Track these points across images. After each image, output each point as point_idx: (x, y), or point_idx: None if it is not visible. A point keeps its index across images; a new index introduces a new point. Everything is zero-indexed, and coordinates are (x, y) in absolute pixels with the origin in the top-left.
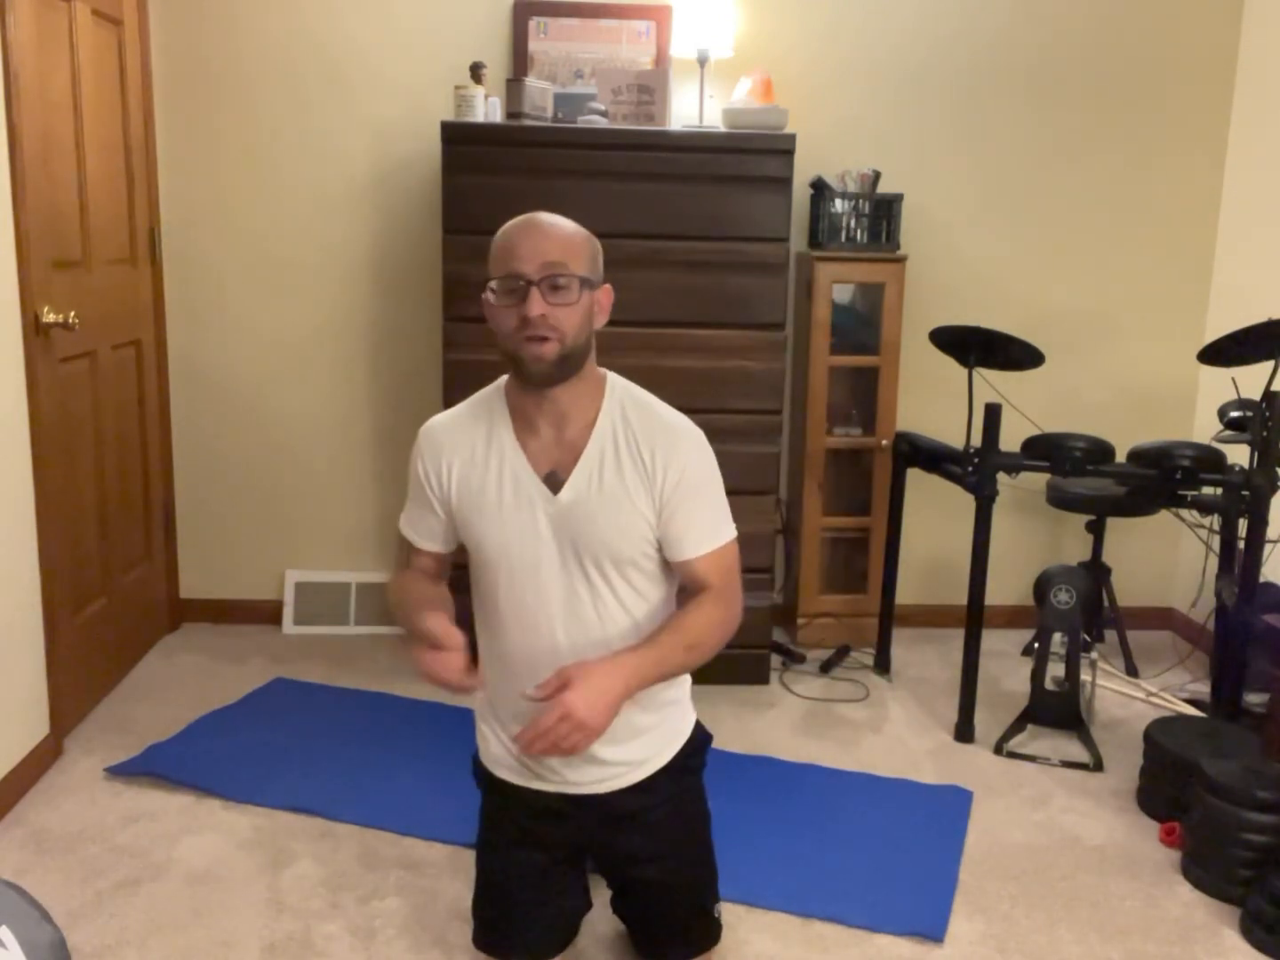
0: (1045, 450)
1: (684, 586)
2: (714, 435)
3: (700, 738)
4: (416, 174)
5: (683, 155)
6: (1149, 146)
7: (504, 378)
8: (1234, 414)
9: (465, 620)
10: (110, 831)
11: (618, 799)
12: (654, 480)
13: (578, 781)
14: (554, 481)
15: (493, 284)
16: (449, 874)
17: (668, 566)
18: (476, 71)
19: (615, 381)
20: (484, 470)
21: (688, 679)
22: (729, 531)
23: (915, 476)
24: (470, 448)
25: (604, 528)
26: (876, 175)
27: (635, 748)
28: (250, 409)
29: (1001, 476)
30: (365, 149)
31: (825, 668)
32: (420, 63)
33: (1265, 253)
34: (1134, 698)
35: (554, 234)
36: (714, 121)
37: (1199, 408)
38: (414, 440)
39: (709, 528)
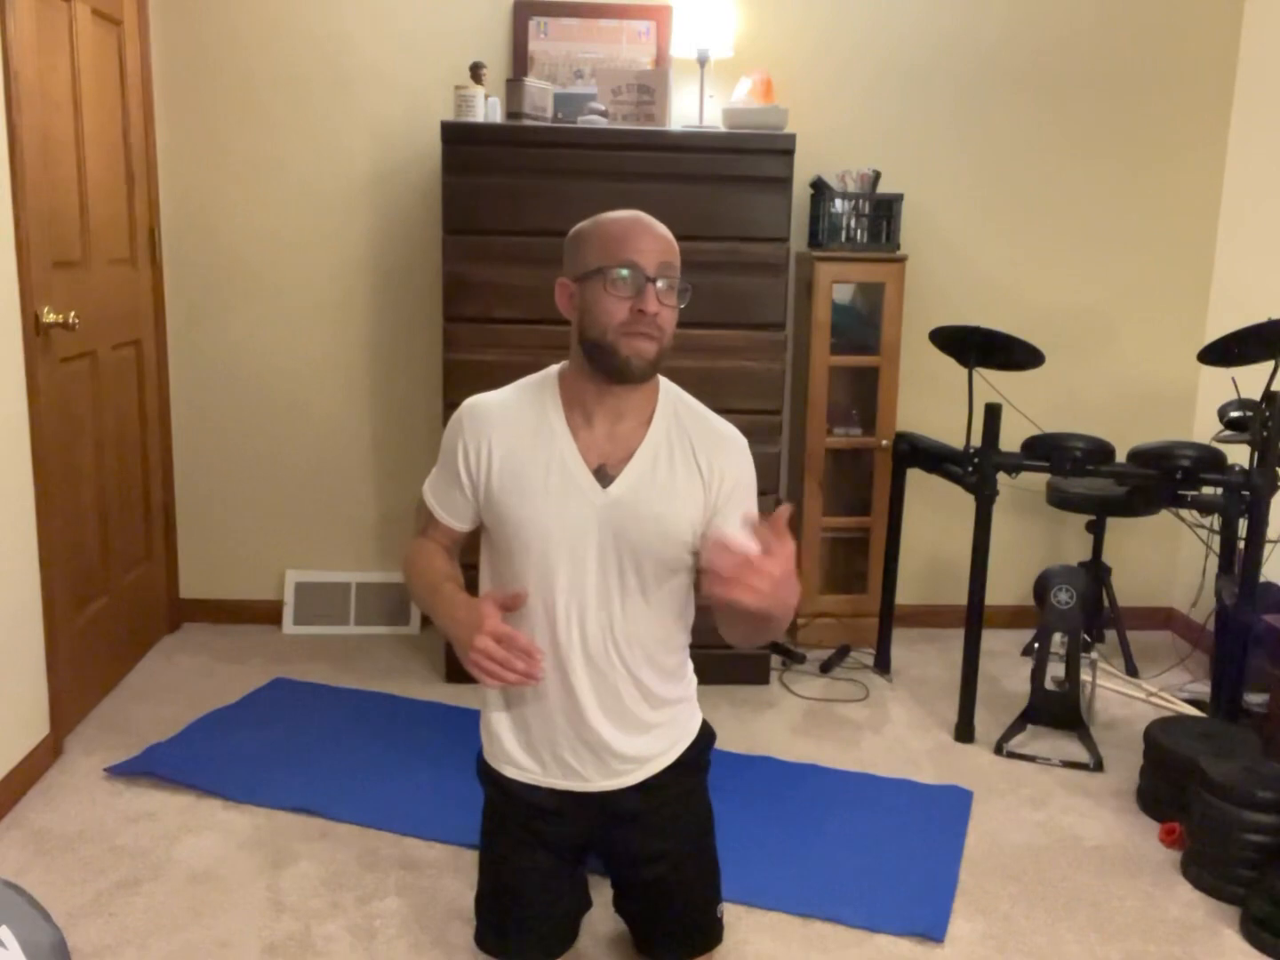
0: (1045, 450)
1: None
2: None
3: (707, 735)
4: (416, 174)
5: (683, 155)
6: (1149, 146)
7: (554, 366)
8: (1234, 414)
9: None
10: (110, 831)
11: (625, 797)
12: (709, 485)
13: (589, 778)
14: (603, 475)
15: (605, 271)
16: (449, 874)
17: (692, 572)
18: (476, 71)
19: (668, 384)
20: (531, 453)
21: (693, 678)
22: None
23: (915, 476)
24: (518, 428)
25: (650, 526)
26: (876, 175)
27: (646, 744)
28: (250, 408)
29: (1001, 476)
30: (365, 149)
31: (825, 668)
32: (420, 63)
33: (1265, 253)
34: (1134, 698)
35: (665, 236)
36: (714, 121)
37: (1199, 408)
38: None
39: None
